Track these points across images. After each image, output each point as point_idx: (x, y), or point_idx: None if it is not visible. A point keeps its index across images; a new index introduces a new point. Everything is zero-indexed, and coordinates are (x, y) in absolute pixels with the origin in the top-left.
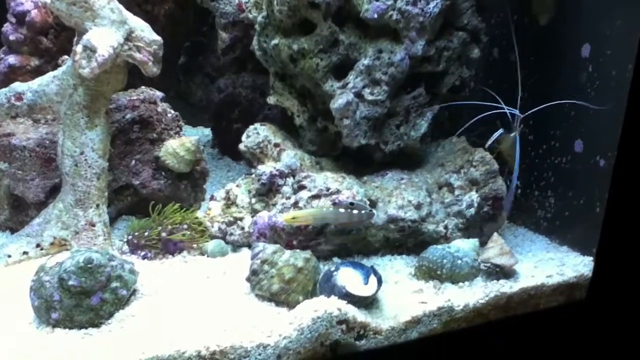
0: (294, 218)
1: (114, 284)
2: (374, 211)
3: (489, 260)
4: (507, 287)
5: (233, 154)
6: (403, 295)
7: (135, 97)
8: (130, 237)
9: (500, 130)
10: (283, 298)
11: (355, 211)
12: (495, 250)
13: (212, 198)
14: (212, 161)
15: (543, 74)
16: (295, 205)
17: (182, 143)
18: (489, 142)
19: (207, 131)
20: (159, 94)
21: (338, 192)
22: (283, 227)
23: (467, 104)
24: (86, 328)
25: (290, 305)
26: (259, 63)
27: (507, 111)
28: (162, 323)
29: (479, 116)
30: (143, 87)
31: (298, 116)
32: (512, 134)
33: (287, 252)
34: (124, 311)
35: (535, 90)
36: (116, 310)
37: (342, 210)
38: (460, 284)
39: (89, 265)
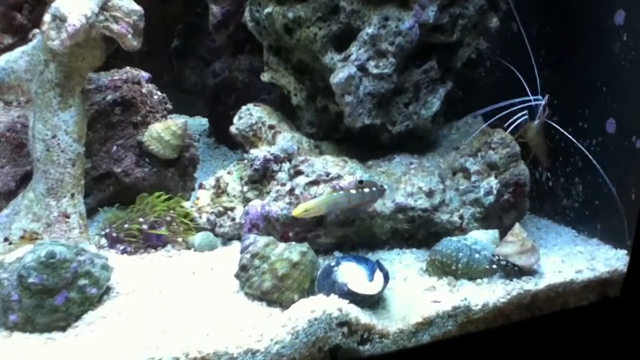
0: (305, 211)
1: (82, 282)
2: (385, 186)
3: (507, 258)
4: (531, 284)
5: (230, 142)
6: (413, 294)
7: (117, 77)
8: (108, 229)
9: (524, 116)
10: (276, 297)
11: (366, 190)
12: (515, 247)
13: (200, 186)
14: (208, 150)
15: (570, 46)
16: (291, 192)
17: (167, 126)
18: (511, 128)
19: (205, 121)
20: (144, 74)
21: (339, 177)
22: (277, 217)
23: (489, 108)
24: (49, 332)
25: (284, 305)
26: (256, 44)
27: (531, 99)
28: (137, 326)
29: (496, 114)
30: (127, 67)
31: (295, 95)
32: (536, 122)
33: (281, 245)
34: (94, 312)
35: (562, 66)
36: (84, 312)
37: (353, 191)
38: (479, 280)
39: (52, 260)
